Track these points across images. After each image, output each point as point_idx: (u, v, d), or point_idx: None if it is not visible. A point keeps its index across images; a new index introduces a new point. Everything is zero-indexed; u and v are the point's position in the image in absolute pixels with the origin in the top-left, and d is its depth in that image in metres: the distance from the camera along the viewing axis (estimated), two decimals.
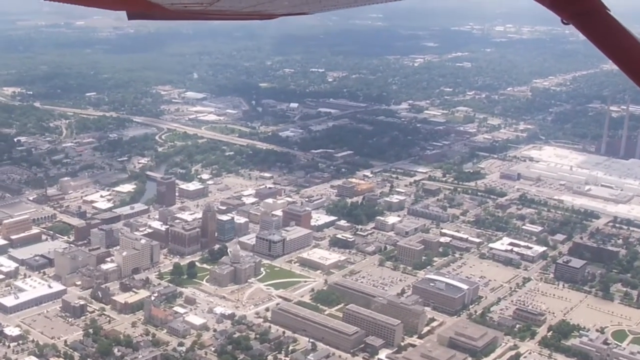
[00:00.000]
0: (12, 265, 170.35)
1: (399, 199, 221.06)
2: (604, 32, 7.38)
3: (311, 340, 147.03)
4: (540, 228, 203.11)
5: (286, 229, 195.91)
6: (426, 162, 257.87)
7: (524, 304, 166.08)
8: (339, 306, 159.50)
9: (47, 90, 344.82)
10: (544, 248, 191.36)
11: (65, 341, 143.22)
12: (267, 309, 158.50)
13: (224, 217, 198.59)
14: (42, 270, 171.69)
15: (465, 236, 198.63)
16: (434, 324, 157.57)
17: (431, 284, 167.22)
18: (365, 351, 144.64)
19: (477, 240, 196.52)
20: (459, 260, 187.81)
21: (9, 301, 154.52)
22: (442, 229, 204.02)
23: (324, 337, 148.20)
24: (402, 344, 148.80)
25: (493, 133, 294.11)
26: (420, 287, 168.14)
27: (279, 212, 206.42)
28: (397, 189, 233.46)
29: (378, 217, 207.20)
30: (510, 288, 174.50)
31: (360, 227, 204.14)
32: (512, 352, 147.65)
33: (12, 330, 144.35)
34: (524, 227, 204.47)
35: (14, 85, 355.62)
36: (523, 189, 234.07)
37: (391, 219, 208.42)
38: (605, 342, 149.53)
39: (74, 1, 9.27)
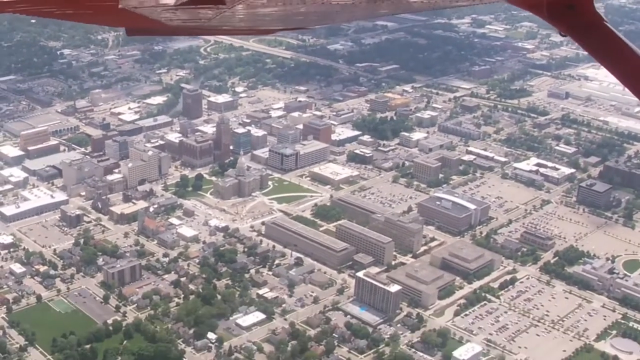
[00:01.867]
0: (22, 175, 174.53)
1: (430, 115, 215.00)
2: (603, 45, 7.38)
3: (299, 255, 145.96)
4: (574, 149, 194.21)
5: (303, 142, 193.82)
6: (473, 78, 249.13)
7: (535, 228, 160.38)
8: (338, 222, 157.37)
9: None
10: (573, 170, 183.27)
11: (55, 250, 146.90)
12: (263, 223, 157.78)
13: (241, 130, 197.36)
14: (51, 181, 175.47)
15: (491, 155, 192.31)
16: (433, 243, 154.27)
17: (437, 203, 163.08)
18: (353, 268, 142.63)
19: (503, 159, 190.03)
20: (479, 179, 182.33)
21: (9, 210, 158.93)
22: (468, 146, 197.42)
23: (313, 252, 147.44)
24: (393, 262, 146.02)
25: (553, 50, 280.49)
26: (425, 205, 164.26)
27: (301, 126, 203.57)
28: (434, 105, 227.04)
29: (403, 133, 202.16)
30: (526, 210, 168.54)
31: (383, 142, 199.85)
32: (508, 277, 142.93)
33: (4, 239, 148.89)
34: (557, 147, 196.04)
35: None
36: (568, 108, 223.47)
37: (417, 135, 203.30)
38: (610, 271, 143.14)
39: (74, 18, 9.65)
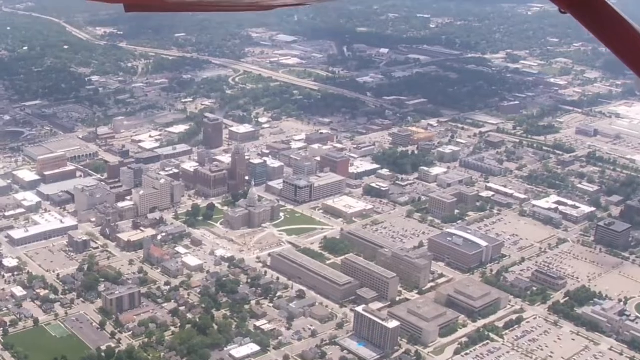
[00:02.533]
0: (35, 200, 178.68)
1: (452, 150, 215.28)
2: (602, 21, 7.44)
3: (302, 288, 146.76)
4: (596, 187, 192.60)
5: (319, 175, 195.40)
6: (501, 114, 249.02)
7: (548, 267, 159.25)
8: (345, 255, 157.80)
9: (137, 30, 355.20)
10: (593, 209, 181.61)
11: (58, 274, 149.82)
12: (269, 255, 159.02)
13: (257, 161, 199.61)
14: (63, 206, 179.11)
15: (510, 191, 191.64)
16: (441, 280, 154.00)
17: (448, 239, 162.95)
18: (356, 303, 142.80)
19: (523, 196, 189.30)
20: (496, 216, 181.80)
21: (18, 234, 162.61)
22: (488, 182, 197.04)
23: (317, 285, 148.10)
24: (398, 298, 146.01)
25: (586, 87, 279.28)
26: (436, 241, 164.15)
27: (319, 158, 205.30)
28: (459, 140, 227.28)
29: (422, 168, 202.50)
30: (541, 249, 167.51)
31: (402, 177, 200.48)
32: (515, 316, 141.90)
33: (10, 262, 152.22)
34: (579, 185, 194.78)
35: (108, 25, 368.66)
36: (595, 146, 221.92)
37: (436, 169, 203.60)
38: (621, 313, 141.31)
39: None
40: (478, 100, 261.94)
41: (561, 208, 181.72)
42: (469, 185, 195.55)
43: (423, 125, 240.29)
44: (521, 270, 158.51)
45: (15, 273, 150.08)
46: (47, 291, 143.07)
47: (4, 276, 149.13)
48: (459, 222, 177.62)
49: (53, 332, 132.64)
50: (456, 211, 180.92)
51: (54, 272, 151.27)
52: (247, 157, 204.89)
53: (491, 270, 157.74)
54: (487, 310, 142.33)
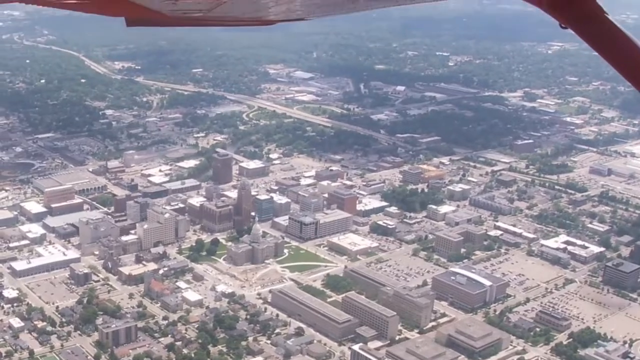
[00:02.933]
0: (40, 232, 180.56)
1: (462, 188, 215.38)
2: (603, 37, 7.48)
3: (302, 325, 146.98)
4: (607, 227, 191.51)
5: (326, 211, 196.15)
6: (515, 152, 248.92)
7: (553, 307, 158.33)
8: (347, 293, 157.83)
9: (155, 65, 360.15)
10: (602, 249, 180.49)
11: (57, 307, 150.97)
12: (270, 291, 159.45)
13: (263, 197, 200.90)
14: (68, 239, 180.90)
15: (519, 231, 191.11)
16: (443, 319, 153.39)
17: (452, 278, 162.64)
18: (354, 341, 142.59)
19: (531, 235, 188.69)
20: (503, 255, 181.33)
21: (20, 265, 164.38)
22: (497, 221, 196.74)
23: (316, 323, 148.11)
24: (398, 337, 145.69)
25: (602, 126, 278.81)
26: (440, 280, 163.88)
27: (327, 195, 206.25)
28: (470, 178, 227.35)
29: (430, 206, 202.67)
30: (547, 289, 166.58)
31: (409, 215, 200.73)
32: (516, 357, 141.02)
33: (10, 293, 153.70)
34: (590, 225, 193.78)
35: (126, 59, 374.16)
36: (608, 185, 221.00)
37: (445, 208, 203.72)
38: (625, 355, 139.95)
39: (73, 7, 10.01)
40: (492, 138, 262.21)
41: (570, 248, 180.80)
42: (477, 224, 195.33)
43: (435, 163, 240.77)
44: (525, 311, 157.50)
45: (15, 304, 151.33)
46: (44, 323, 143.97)
47: (3, 307, 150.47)
48: (465, 261, 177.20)
49: None
50: (462, 250, 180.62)
51: (53, 304, 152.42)
52: (254, 193, 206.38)
53: (494, 310, 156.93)
54: (488, 351, 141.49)
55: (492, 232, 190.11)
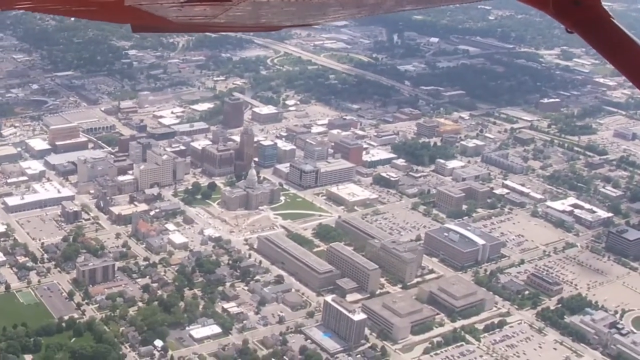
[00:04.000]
0: (40, 169, 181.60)
1: (476, 144, 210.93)
2: (609, 41, 7.60)
3: (283, 273, 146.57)
4: (620, 193, 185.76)
5: (329, 160, 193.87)
6: (539, 110, 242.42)
7: (547, 271, 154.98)
8: (332, 244, 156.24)
9: None
10: (611, 214, 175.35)
11: (43, 243, 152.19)
12: (258, 238, 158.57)
13: (267, 142, 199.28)
14: (67, 177, 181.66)
15: (527, 190, 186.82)
16: (430, 276, 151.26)
17: (445, 234, 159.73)
18: (334, 292, 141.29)
19: (539, 196, 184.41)
20: (506, 214, 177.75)
21: (13, 201, 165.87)
22: (506, 179, 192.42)
23: (298, 272, 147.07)
24: (379, 291, 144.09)
25: (635, 90, 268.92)
26: (432, 235, 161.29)
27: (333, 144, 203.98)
28: (487, 134, 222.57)
29: (438, 160, 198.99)
30: (544, 252, 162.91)
31: (416, 168, 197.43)
32: (497, 319, 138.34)
33: None
34: (602, 189, 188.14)
35: None
36: (630, 150, 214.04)
37: (454, 163, 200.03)
38: (612, 325, 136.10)
39: (79, 15, 10.30)
40: (518, 95, 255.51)
41: (577, 211, 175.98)
42: (485, 181, 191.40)
43: (454, 117, 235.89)
44: (518, 273, 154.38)
45: (2, 239, 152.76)
46: (26, 258, 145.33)
47: None
48: (465, 218, 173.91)
49: (22, 299, 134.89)
50: (464, 207, 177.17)
51: (39, 240, 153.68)
52: (262, 138, 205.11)
53: (485, 270, 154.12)
54: (469, 311, 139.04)
55: (499, 190, 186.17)
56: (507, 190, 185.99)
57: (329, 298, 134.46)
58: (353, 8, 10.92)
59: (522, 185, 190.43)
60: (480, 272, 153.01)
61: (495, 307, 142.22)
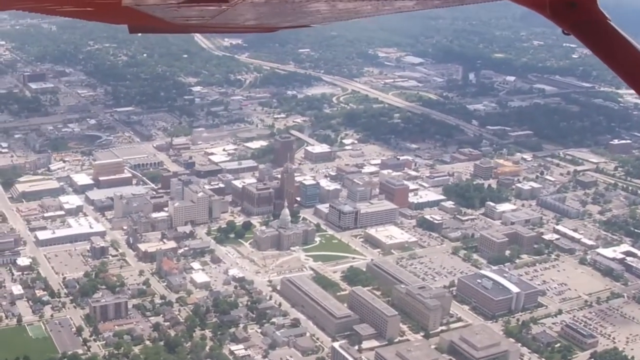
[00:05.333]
0: (78, 203, 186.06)
1: (532, 187, 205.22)
2: (605, 43, 7.81)
3: (301, 317, 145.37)
4: None
5: (371, 201, 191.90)
6: (609, 152, 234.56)
7: (585, 323, 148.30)
8: (354, 288, 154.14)
9: (262, 43, 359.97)
10: None
11: (65, 278, 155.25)
12: (282, 279, 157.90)
13: (310, 182, 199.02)
14: (103, 212, 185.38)
15: (578, 236, 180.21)
16: (457, 324, 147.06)
17: (478, 281, 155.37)
18: (350, 338, 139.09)
19: (591, 242, 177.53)
20: (551, 261, 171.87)
21: (43, 235, 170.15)
22: (558, 224, 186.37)
23: (316, 316, 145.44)
24: (399, 338, 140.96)
25: None
26: (465, 282, 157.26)
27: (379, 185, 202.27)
28: (547, 177, 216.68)
29: (488, 203, 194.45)
30: (586, 302, 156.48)
31: (465, 211, 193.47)
32: None
33: (24, 261, 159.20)
34: None
35: (235, 36, 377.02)
36: None
37: (505, 206, 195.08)
38: None
39: (76, 15, 10.68)
40: (589, 136, 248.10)
41: (628, 259, 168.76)
42: (535, 226, 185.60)
43: (516, 158, 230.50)
44: (553, 324, 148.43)
45: (25, 272, 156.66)
46: (44, 292, 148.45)
47: (13, 274, 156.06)
48: (507, 264, 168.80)
49: (31, 332, 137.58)
50: (507, 252, 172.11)
51: (62, 275, 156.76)
52: (310, 177, 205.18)
53: (517, 320, 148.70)
54: None
55: (548, 236, 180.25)
56: (557, 236, 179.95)
57: (336, 345, 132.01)
58: (350, 9, 10.97)
59: (575, 230, 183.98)
60: (511, 322, 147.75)
61: (521, 359, 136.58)
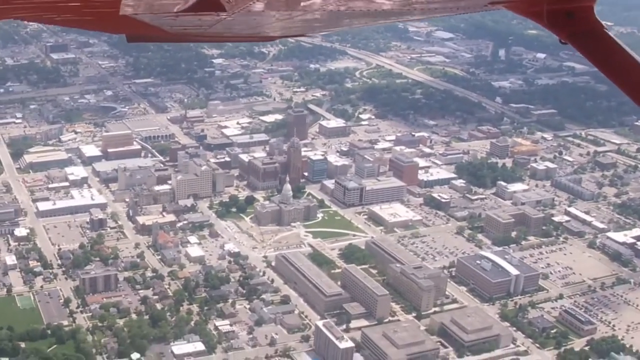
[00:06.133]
0: (82, 175, 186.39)
1: (547, 167, 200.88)
2: (602, 52, 7.86)
3: (292, 293, 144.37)
4: None
5: (378, 178, 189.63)
6: (634, 133, 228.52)
7: (585, 308, 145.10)
8: (348, 266, 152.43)
9: None
10: None
11: (60, 249, 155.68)
12: (276, 255, 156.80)
13: (318, 157, 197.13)
14: (108, 184, 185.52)
15: (590, 219, 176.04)
16: (451, 306, 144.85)
17: (477, 262, 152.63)
18: (339, 317, 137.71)
19: (603, 226, 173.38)
20: (559, 244, 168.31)
21: (44, 206, 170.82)
22: (571, 206, 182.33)
23: (307, 293, 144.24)
24: (390, 319, 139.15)
25: None
26: (464, 263, 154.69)
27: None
28: (566, 157, 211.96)
29: (499, 182, 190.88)
30: (590, 287, 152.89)
31: (475, 190, 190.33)
32: (511, 358, 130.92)
33: (21, 232, 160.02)
34: None
35: None
36: None
37: (518, 186, 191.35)
38: None
39: (75, 25, 11.03)
40: (614, 116, 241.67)
41: (639, 244, 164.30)
42: (546, 207, 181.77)
43: (536, 137, 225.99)
44: (552, 308, 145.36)
45: (22, 243, 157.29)
46: (37, 263, 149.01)
47: (9, 244, 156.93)
48: (512, 245, 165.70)
49: (20, 303, 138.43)
50: (514, 233, 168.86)
51: (58, 246, 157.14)
52: (322, 152, 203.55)
53: (515, 303, 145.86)
54: (481, 347, 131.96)
55: (558, 218, 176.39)
56: (567, 218, 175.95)
57: (319, 322, 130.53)
58: (348, 19, 10.92)
59: (587, 213, 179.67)
60: (508, 305, 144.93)
61: (513, 344, 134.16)
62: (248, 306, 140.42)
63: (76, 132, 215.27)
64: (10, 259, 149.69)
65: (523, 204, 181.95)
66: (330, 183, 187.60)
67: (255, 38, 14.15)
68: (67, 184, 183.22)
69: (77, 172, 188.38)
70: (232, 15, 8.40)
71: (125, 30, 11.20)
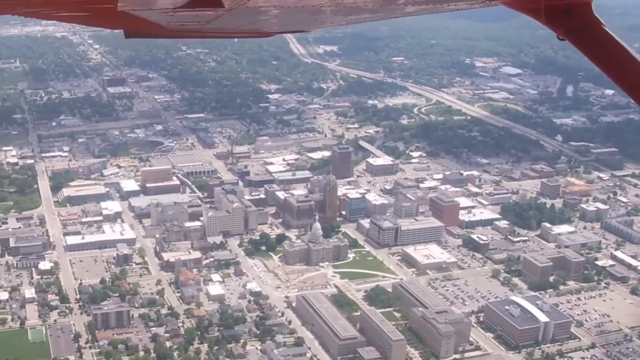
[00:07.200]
0: (117, 209, 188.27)
1: (597, 208, 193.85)
2: (600, 48, 7.95)
3: (308, 335, 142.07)
4: None
5: (417, 218, 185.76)
6: None
7: (618, 359, 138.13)
8: (366, 309, 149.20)
9: (355, 51, 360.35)
10: None
11: (81, 283, 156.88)
12: (297, 296, 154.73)
13: (355, 195, 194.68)
14: (142, 219, 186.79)
15: (636, 264, 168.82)
16: (474, 353, 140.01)
17: (506, 307, 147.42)
18: None
19: None
20: (600, 289, 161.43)
21: (73, 240, 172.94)
22: (617, 249, 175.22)
23: (323, 336, 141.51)
24: None
25: None
26: (492, 308, 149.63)
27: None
28: (620, 198, 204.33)
29: (544, 224, 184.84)
30: (626, 336, 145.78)
31: (519, 231, 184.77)
32: None
33: (45, 265, 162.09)
34: None
35: (332, 43, 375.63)
36: None
37: (564, 228, 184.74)
38: None
39: (73, 20, 11.06)
40: None
41: None
42: (592, 251, 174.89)
43: (592, 177, 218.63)
44: (581, 358, 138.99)
45: (45, 277, 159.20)
46: (55, 297, 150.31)
47: (32, 277, 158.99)
48: (549, 290, 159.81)
49: (31, 336, 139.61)
50: (552, 277, 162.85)
51: (80, 280, 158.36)
52: (364, 191, 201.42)
53: (542, 352, 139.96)
54: None
55: (602, 261, 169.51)
56: (612, 262, 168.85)
57: None
58: (347, 15, 10.94)
59: (634, 257, 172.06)
60: (535, 354, 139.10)
61: None
62: (260, 347, 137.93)
63: (119, 167, 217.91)
64: (29, 293, 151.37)
65: (567, 246, 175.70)
66: (367, 222, 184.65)
67: (253, 34, 14.23)
68: (100, 218, 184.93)
69: (112, 206, 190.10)
70: (230, 12, 8.42)
71: (123, 26, 11.30)
